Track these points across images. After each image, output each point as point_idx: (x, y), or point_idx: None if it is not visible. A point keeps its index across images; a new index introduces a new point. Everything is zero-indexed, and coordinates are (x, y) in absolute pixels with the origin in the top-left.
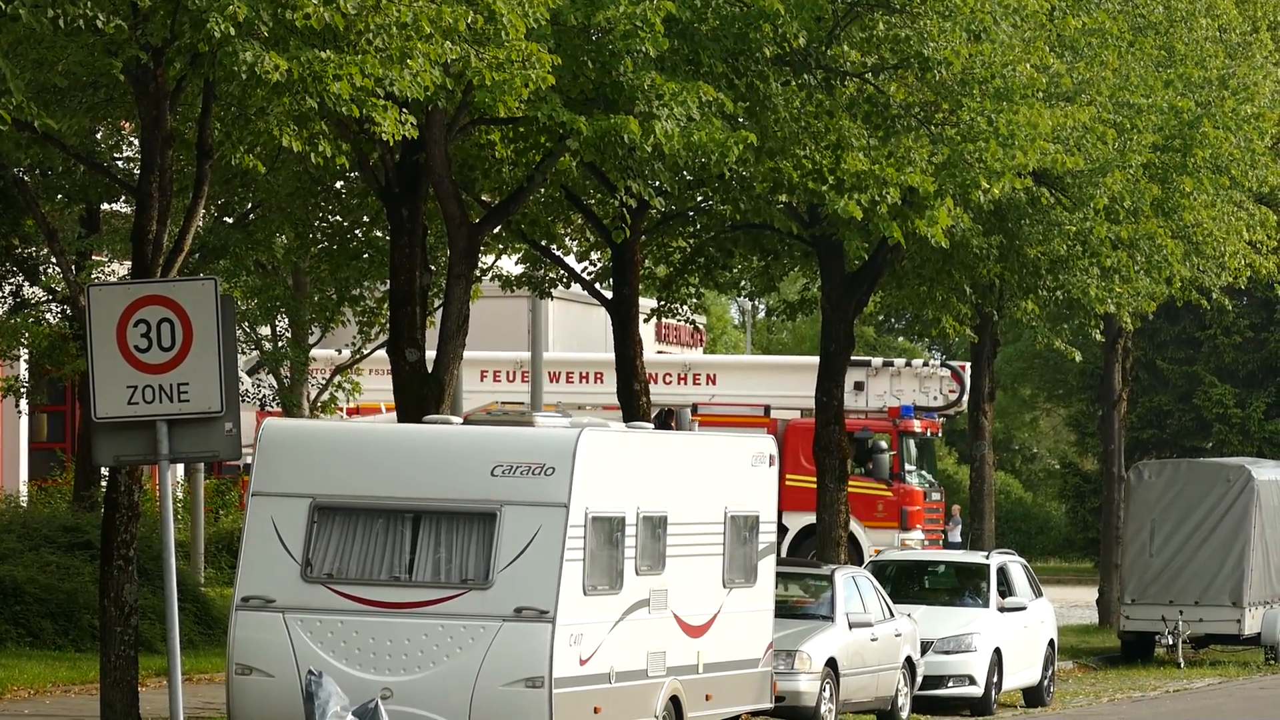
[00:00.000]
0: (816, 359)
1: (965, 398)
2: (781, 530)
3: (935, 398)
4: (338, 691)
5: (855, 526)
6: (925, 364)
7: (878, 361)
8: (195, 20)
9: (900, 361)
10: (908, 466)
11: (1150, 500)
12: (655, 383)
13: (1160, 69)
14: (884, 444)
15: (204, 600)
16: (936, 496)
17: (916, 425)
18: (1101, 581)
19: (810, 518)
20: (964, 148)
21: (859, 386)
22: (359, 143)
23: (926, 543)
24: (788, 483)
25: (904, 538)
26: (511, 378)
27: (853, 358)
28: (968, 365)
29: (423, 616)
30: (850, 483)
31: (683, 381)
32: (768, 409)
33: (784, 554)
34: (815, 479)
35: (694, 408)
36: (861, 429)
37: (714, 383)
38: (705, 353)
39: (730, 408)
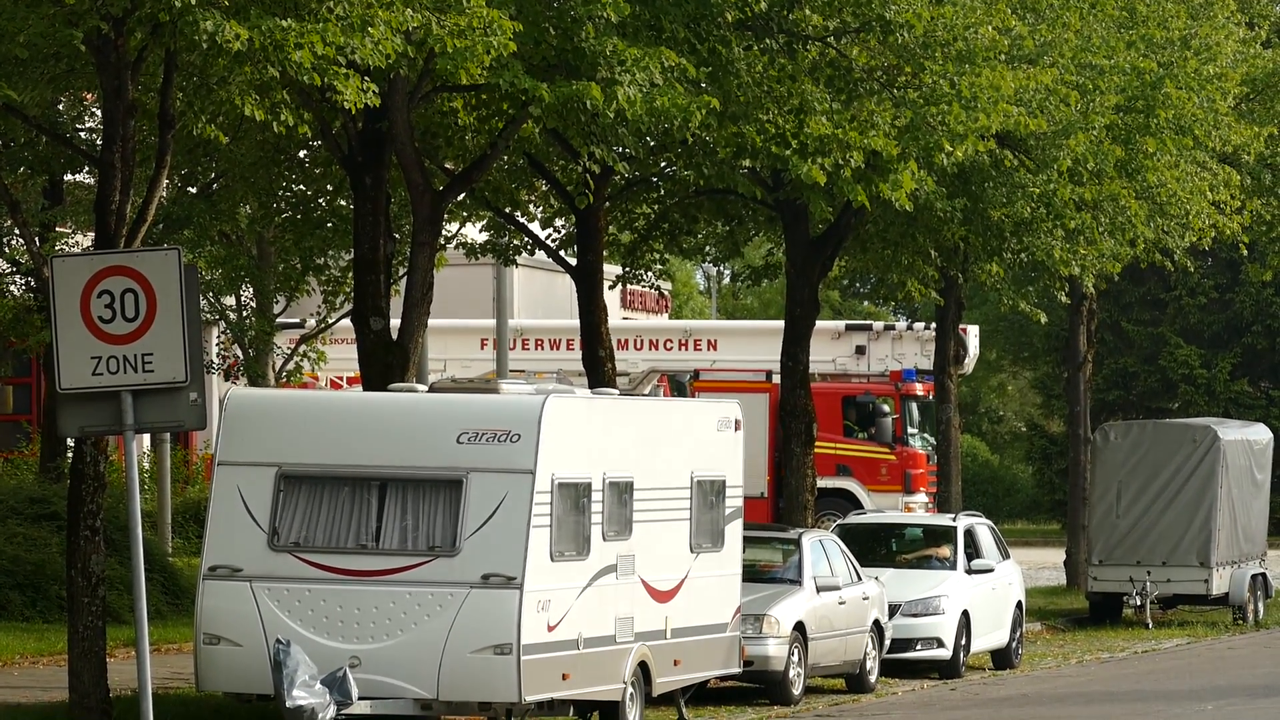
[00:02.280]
0: (820, 324)
1: (969, 360)
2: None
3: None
4: (306, 660)
5: (858, 490)
6: (927, 327)
7: (879, 325)
8: None
9: (902, 325)
10: (910, 430)
11: (1116, 461)
12: (656, 349)
13: (1122, 30)
14: (886, 408)
15: (171, 570)
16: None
17: (919, 388)
18: (1069, 543)
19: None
20: (927, 111)
21: (860, 350)
22: (321, 111)
23: (930, 506)
24: None
25: (907, 501)
26: (511, 345)
27: (854, 321)
28: (970, 328)
29: (390, 584)
30: (853, 447)
31: (684, 347)
32: (769, 374)
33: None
34: (820, 443)
35: (695, 374)
36: (864, 393)
37: (715, 348)
38: (671, 318)
39: (732, 373)
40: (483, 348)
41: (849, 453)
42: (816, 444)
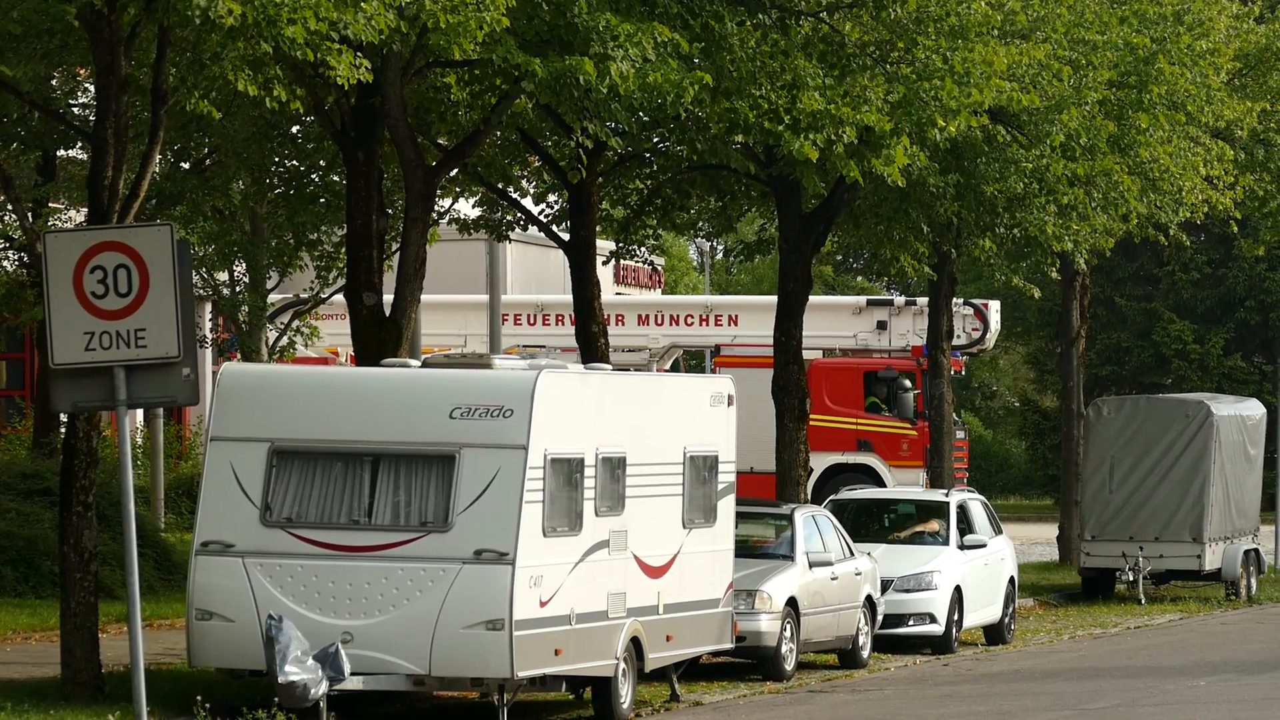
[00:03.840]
0: (841, 299)
1: (990, 336)
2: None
3: (959, 336)
4: (298, 635)
5: (880, 466)
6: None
7: (900, 300)
8: None
9: (923, 300)
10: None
11: (1109, 437)
12: (677, 324)
13: (1115, 5)
14: (908, 383)
15: (164, 546)
16: (961, 435)
17: None
18: (1062, 518)
19: (836, 457)
20: (919, 86)
21: (882, 325)
22: (314, 87)
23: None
24: (812, 423)
25: (929, 477)
26: (532, 320)
27: (876, 297)
28: (991, 303)
29: (382, 560)
30: (875, 422)
31: (704, 323)
32: None
33: (809, 494)
34: (839, 419)
35: (716, 349)
36: (885, 368)
37: (735, 324)
38: (664, 294)
39: (752, 349)
40: (503, 322)
41: (870, 428)
42: (838, 419)
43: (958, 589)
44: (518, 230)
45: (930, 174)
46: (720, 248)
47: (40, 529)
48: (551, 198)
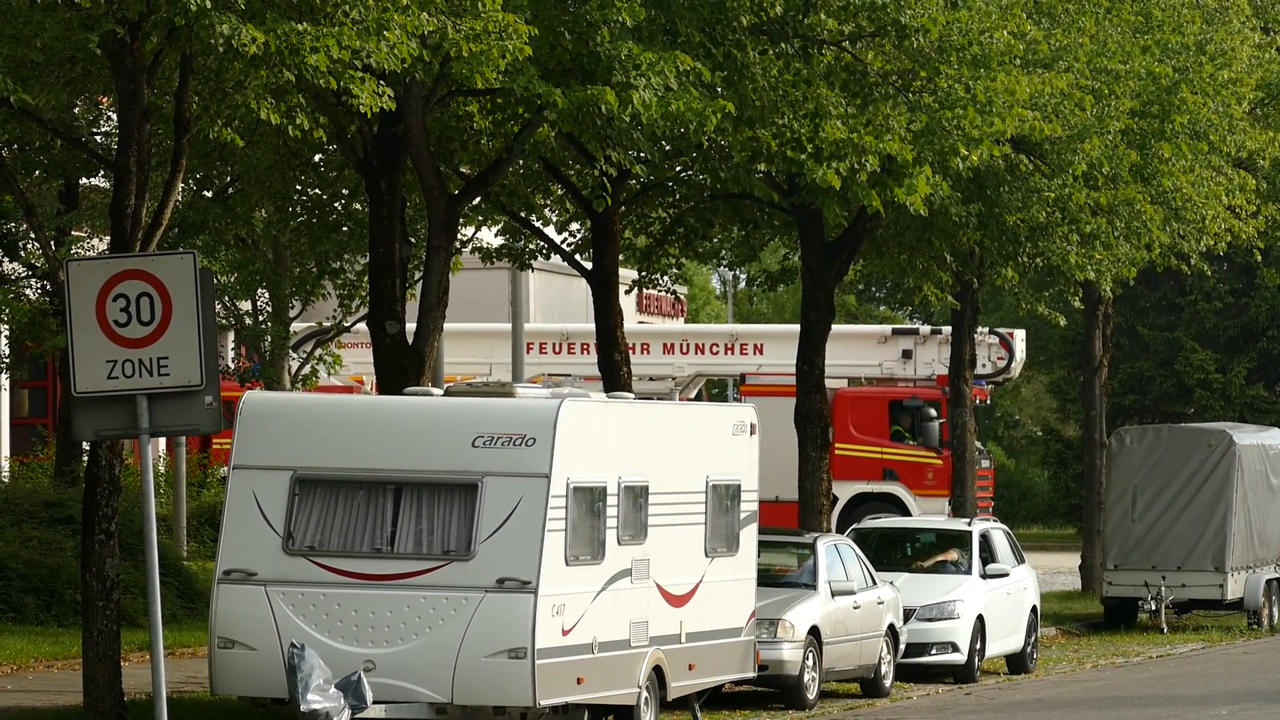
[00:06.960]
0: (866, 328)
1: (1015, 365)
2: (832, 499)
3: (984, 365)
4: (320, 664)
5: (905, 495)
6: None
7: (925, 329)
8: None
9: (948, 329)
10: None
11: (1132, 466)
12: (702, 353)
13: (1138, 35)
14: (933, 412)
15: (186, 574)
16: (986, 464)
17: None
18: (1084, 548)
19: (862, 486)
20: (942, 115)
21: (907, 355)
22: (337, 115)
23: (978, 510)
24: (838, 452)
25: (952, 506)
26: (557, 349)
27: (901, 326)
28: (1016, 332)
29: (405, 588)
30: (900, 451)
31: (730, 351)
32: None
33: (834, 524)
34: (865, 448)
35: (742, 377)
36: (910, 397)
37: (761, 352)
38: (686, 323)
39: (778, 377)
40: (528, 351)
41: (895, 457)
42: (864, 448)
43: (980, 618)
44: (540, 259)
45: (953, 203)
46: (743, 277)
47: (63, 557)
48: (574, 226)
